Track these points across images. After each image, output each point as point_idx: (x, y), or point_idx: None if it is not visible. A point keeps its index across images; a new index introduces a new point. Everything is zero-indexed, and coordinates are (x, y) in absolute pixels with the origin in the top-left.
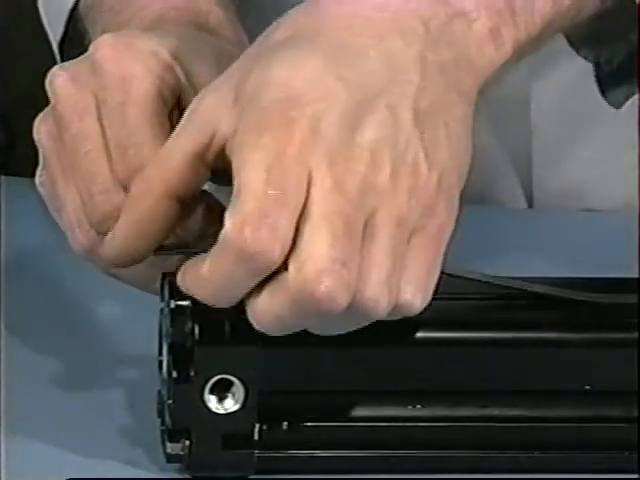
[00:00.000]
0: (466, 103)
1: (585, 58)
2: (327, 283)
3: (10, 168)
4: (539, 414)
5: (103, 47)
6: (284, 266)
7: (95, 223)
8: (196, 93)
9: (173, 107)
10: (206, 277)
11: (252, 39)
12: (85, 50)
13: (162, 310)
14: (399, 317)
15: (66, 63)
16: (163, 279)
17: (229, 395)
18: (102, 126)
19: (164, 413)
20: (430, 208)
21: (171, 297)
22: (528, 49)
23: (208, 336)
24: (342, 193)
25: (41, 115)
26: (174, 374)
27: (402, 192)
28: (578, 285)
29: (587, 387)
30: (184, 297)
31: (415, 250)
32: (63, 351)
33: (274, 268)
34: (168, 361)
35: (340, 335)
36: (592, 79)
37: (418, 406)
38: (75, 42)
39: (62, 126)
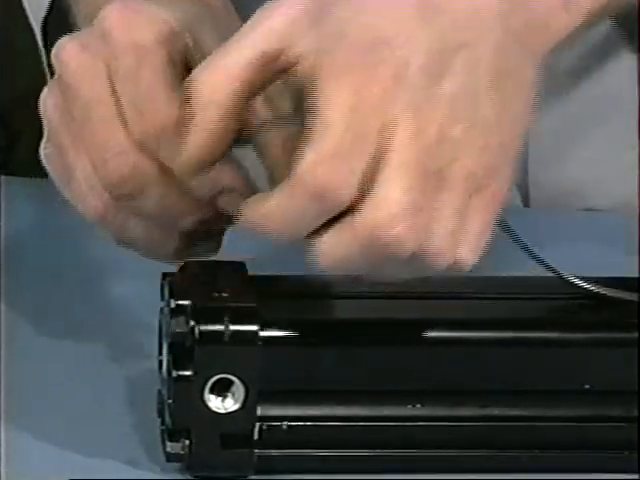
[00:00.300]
0: (537, 67)
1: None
2: (399, 229)
3: (10, 168)
4: (539, 414)
5: (112, 14)
6: (355, 208)
7: (111, 186)
8: (203, 59)
9: (182, 73)
10: (274, 212)
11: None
12: (70, 28)
13: (162, 309)
14: (451, 273)
15: (73, 34)
16: (163, 278)
17: (229, 395)
18: (114, 92)
19: (164, 412)
20: (494, 169)
21: (171, 296)
22: (597, 19)
23: (208, 335)
24: (422, 142)
25: (47, 88)
26: (174, 373)
27: (474, 148)
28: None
29: (587, 386)
30: (184, 296)
31: (475, 208)
32: (63, 351)
33: (344, 208)
34: (168, 360)
35: (340, 335)
36: (591, 75)
37: (418, 406)
38: (59, 21)
39: (71, 95)
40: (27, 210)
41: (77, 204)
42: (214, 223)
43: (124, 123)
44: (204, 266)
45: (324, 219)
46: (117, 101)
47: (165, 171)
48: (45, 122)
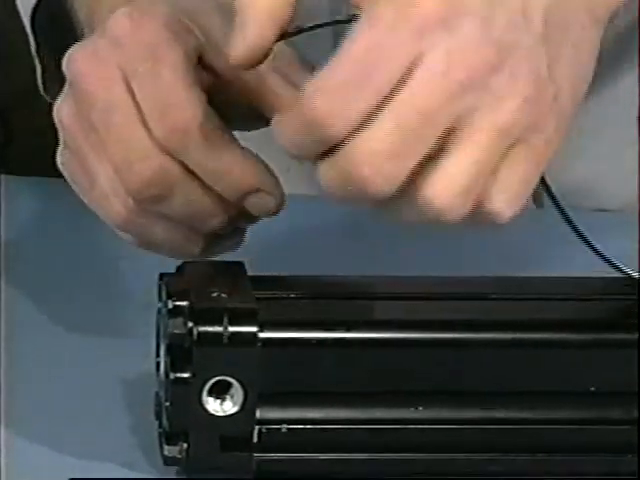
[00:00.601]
0: (596, 29)
1: None
2: (368, 169)
3: (8, 167)
4: (544, 416)
5: (121, 20)
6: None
7: (134, 191)
8: (216, 49)
9: (198, 69)
10: (281, 129)
11: None
12: (64, 14)
13: (159, 310)
14: (484, 224)
15: (82, 42)
16: (160, 279)
17: (228, 397)
18: (133, 95)
19: (161, 415)
20: (539, 123)
21: (169, 297)
22: None
23: (206, 337)
24: (442, 84)
25: (60, 97)
26: (172, 375)
27: (513, 99)
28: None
29: (592, 388)
30: (182, 297)
31: (513, 161)
32: (60, 352)
33: (337, 142)
34: (166, 362)
35: (340, 337)
36: (602, 70)
37: (420, 408)
38: (48, 9)
39: (88, 102)
40: (26, 209)
41: (99, 210)
42: (240, 222)
43: (146, 126)
44: (202, 266)
45: (322, 148)
46: (137, 104)
47: (190, 173)
48: (61, 130)
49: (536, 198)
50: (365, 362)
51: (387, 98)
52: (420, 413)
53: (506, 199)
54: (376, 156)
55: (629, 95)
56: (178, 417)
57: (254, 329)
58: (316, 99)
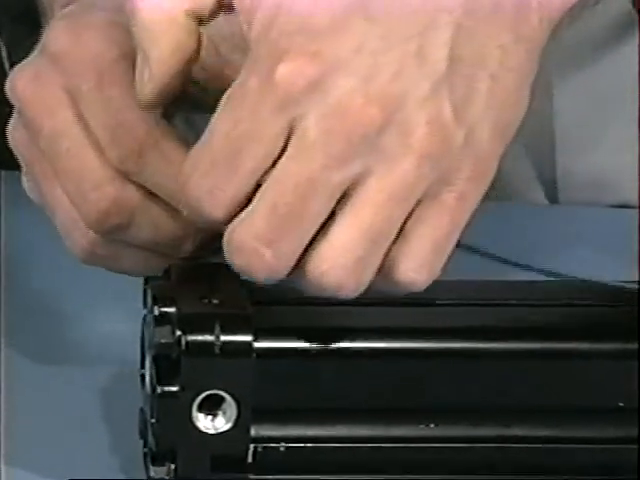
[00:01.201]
0: (526, 50)
1: None
2: (247, 258)
3: (7, 164)
4: (570, 434)
5: (58, 35)
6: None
7: (92, 224)
8: None
9: None
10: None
11: None
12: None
13: (145, 317)
14: (399, 292)
15: (22, 64)
16: (146, 283)
17: (220, 413)
18: (80, 118)
19: (147, 433)
20: (445, 176)
21: (154, 303)
22: None
23: (196, 346)
24: (318, 155)
25: (11, 123)
26: (158, 389)
27: (407, 157)
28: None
29: (620, 404)
30: (169, 303)
31: (421, 222)
32: (61, 350)
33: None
34: (151, 375)
35: (344, 345)
36: (617, 56)
37: (432, 425)
38: None
39: (34, 129)
40: (26, 206)
41: (65, 241)
42: (217, 242)
43: (99, 151)
44: (191, 269)
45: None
46: (86, 128)
47: (151, 196)
48: (18, 156)
49: None
50: (371, 374)
51: (264, 177)
52: (432, 431)
53: (415, 267)
54: (255, 242)
55: None
56: (165, 435)
57: (249, 338)
58: (191, 181)
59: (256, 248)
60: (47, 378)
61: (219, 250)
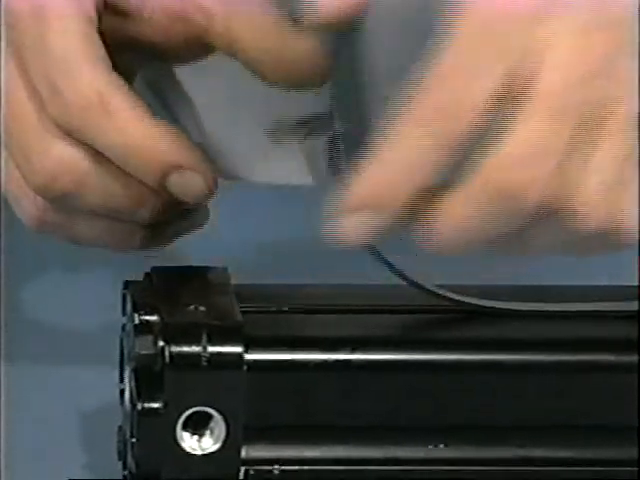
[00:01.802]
0: None
1: None
2: (523, 173)
3: None
4: (590, 455)
5: None
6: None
7: (39, 189)
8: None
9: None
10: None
11: None
12: None
13: (124, 326)
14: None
15: None
16: (125, 287)
17: (207, 432)
18: (23, 72)
19: (126, 454)
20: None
21: (135, 310)
22: None
23: (181, 358)
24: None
25: None
26: (139, 406)
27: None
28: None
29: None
30: (151, 310)
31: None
32: (61, 350)
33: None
34: (131, 389)
35: (343, 358)
36: None
37: (441, 446)
38: None
39: None
40: None
41: (15, 211)
42: (177, 207)
43: (38, 106)
44: (176, 273)
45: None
46: (29, 83)
47: (102, 159)
48: None
49: None
50: (373, 389)
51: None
52: (441, 452)
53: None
54: (528, 158)
55: None
56: (147, 456)
57: (239, 349)
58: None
59: (529, 163)
60: (47, 378)
61: (179, 217)
